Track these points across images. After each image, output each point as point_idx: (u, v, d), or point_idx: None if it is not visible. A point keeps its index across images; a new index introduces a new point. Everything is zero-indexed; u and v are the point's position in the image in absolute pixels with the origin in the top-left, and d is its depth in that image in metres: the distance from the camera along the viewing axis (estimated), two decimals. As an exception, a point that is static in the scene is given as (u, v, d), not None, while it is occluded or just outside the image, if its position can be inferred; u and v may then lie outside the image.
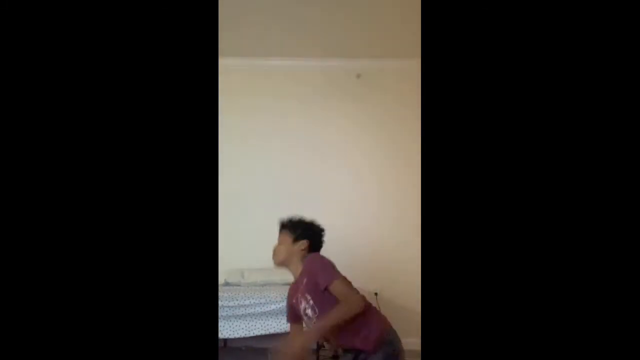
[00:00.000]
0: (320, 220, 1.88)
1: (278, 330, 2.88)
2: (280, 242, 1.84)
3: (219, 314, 2.79)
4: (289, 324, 1.92)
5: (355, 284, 1.65)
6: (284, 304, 2.90)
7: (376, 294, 3.28)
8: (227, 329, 2.83)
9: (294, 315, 1.83)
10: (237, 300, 2.86)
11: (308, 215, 1.88)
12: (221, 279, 3.21)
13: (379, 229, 3.62)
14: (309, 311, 1.69)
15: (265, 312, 2.87)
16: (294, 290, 1.82)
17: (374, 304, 1.74)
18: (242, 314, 2.85)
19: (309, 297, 1.68)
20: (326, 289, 1.60)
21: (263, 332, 2.87)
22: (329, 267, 1.65)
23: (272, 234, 1.71)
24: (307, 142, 3.78)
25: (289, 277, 3.29)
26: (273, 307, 2.87)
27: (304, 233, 1.82)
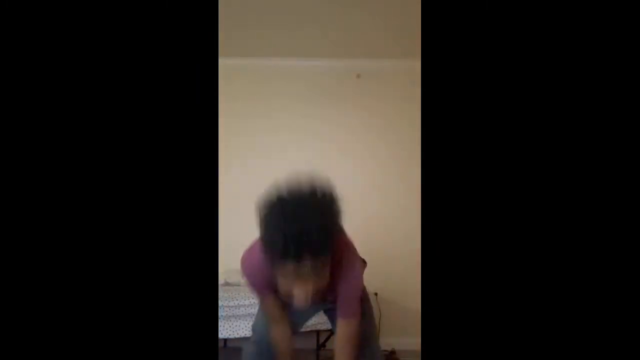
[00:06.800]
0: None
1: (278, 330, 2.88)
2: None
3: (219, 314, 2.79)
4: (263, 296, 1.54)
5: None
6: (283, 304, 2.91)
7: (376, 294, 3.28)
8: (227, 329, 2.83)
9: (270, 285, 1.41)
10: (237, 300, 2.86)
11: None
12: (221, 279, 3.21)
13: (380, 228, 3.61)
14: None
15: (265, 312, 2.87)
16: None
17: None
18: (242, 314, 2.85)
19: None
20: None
21: (263, 332, 2.87)
22: None
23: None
24: (308, 142, 3.77)
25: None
26: (273, 307, 2.86)
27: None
